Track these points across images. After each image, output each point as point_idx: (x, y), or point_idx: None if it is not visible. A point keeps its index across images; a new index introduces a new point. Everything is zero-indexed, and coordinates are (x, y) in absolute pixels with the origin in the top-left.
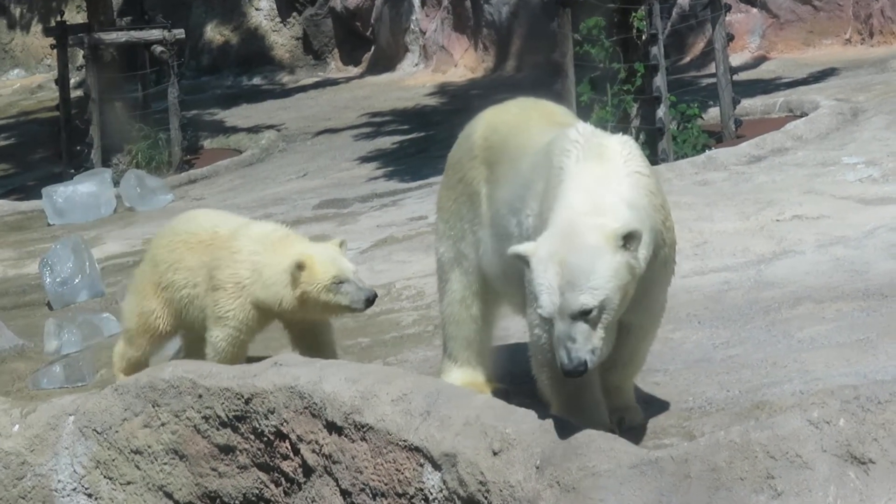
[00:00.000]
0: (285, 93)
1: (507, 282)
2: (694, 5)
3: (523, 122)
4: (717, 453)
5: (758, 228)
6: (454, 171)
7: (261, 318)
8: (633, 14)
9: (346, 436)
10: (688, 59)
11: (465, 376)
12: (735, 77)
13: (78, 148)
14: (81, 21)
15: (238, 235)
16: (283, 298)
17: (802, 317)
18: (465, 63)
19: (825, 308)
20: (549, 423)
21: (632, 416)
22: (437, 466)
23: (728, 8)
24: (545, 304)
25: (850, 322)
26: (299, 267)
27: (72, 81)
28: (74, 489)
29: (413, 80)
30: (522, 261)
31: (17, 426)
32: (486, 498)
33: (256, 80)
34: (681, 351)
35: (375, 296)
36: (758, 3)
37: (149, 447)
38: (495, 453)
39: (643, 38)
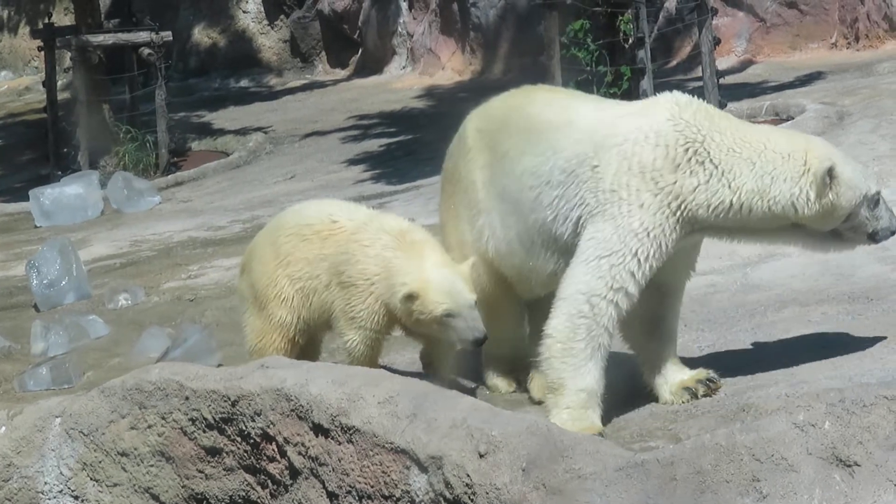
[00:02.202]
0: (273, 95)
1: (530, 252)
2: (681, 9)
3: (520, 102)
4: (702, 456)
5: None
6: (449, 180)
7: (392, 317)
8: (620, 17)
9: (332, 438)
10: (674, 62)
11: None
12: (721, 80)
13: (65, 150)
14: (69, 23)
15: (369, 227)
16: (401, 313)
17: (788, 320)
18: (452, 66)
19: (811, 311)
20: (536, 425)
21: (705, 385)
22: (423, 469)
23: (715, 12)
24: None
25: (836, 325)
26: (410, 297)
27: (59, 83)
28: (61, 491)
29: (400, 83)
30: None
31: (3, 428)
32: (472, 500)
33: (244, 83)
34: None
35: (485, 337)
36: (744, 7)
37: (135, 449)
38: (481, 456)
39: (630, 41)
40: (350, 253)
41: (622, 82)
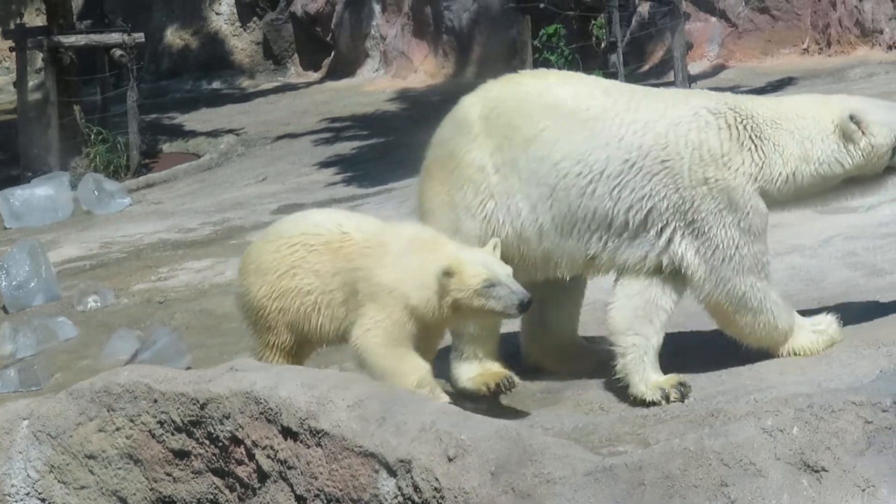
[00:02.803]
0: (245, 97)
1: (570, 235)
2: (653, 14)
3: (536, 86)
4: (671, 461)
5: None
6: (443, 168)
7: (415, 327)
8: (593, 22)
9: (301, 441)
10: (647, 66)
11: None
12: (693, 85)
13: (35, 151)
14: (41, 24)
15: (385, 238)
16: (435, 306)
17: None
18: (425, 69)
19: None
20: (505, 429)
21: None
22: (392, 472)
23: (687, 16)
24: None
25: None
26: (447, 273)
27: (30, 84)
28: (28, 494)
29: (373, 86)
30: None
31: None
32: None
33: (216, 85)
34: None
35: (531, 300)
36: (717, 12)
37: (103, 452)
38: (450, 459)
39: (603, 45)
40: (364, 268)
41: None
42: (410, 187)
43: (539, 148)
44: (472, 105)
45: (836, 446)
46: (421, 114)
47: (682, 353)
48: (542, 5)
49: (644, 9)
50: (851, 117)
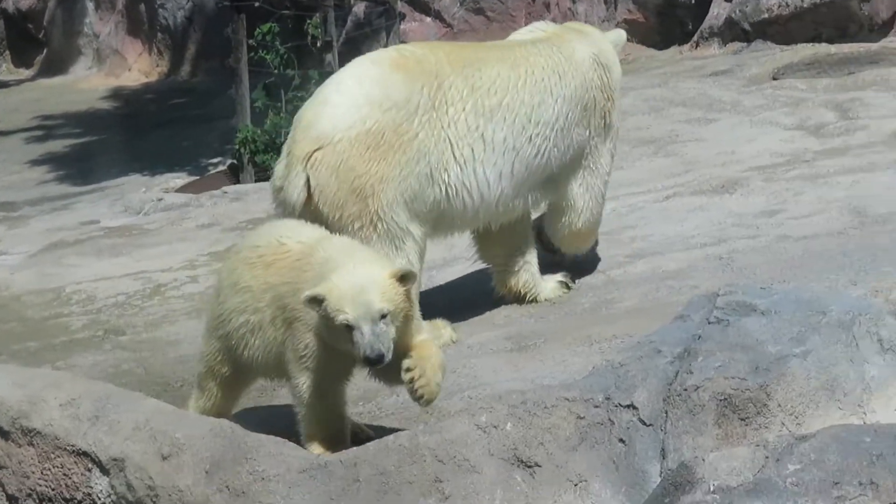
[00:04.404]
0: None
1: (521, 194)
2: (369, 13)
3: (466, 56)
4: (386, 457)
5: None
6: (390, 145)
7: (335, 355)
8: (308, 21)
9: (12, 441)
10: None
11: None
12: None
13: None
14: None
15: (315, 250)
16: (312, 327)
17: (473, 323)
18: (139, 67)
19: (495, 315)
20: (220, 427)
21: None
22: (105, 471)
23: (402, 17)
24: None
25: (519, 329)
26: (313, 301)
27: None
28: None
29: (87, 84)
30: None
31: None
32: (154, 502)
33: None
34: None
35: (379, 358)
36: (432, 13)
37: None
38: (164, 458)
39: (318, 45)
40: (292, 283)
41: (310, 86)
42: (125, 185)
43: (502, 116)
44: (413, 82)
45: (549, 442)
46: (135, 112)
47: None
48: (256, 4)
49: (360, 9)
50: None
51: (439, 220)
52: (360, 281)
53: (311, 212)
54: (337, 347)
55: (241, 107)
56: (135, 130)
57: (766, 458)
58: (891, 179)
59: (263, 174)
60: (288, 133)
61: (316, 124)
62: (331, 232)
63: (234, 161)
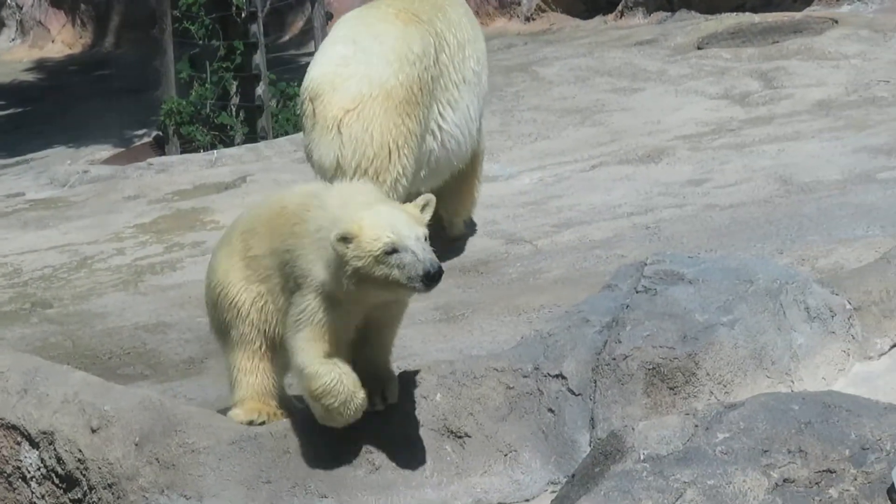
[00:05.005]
0: None
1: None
2: None
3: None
4: (315, 429)
5: None
6: (413, 100)
7: (339, 313)
8: None
9: None
10: (287, 37)
11: None
12: None
13: None
14: None
15: (309, 205)
16: (338, 280)
17: None
18: (63, 39)
19: None
20: (149, 400)
21: None
22: (34, 444)
23: None
24: None
25: (447, 299)
26: (344, 238)
27: None
28: None
29: (9, 56)
30: None
31: None
32: (84, 475)
33: None
34: None
35: (440, 271)
36: None
37: None
38: (94, 431)
39: (243, 15)
40: (291, 249)
41: (235, 56)
42: (49, 157)
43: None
44: (433, 30)
45: (479, 412)
46: (59, 84)
47: None
48: None
49: None
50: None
51: (428, 174)
52: (390, 208)
53: (341, 174)
54: (370, 294)
55: (165, 78)
56: (59, 102)
57: (696, 426)
58: (816, 148)
59: (189, 146)
60: (213, 105)
61: (346, 84)
62: None
63: (160, 133)
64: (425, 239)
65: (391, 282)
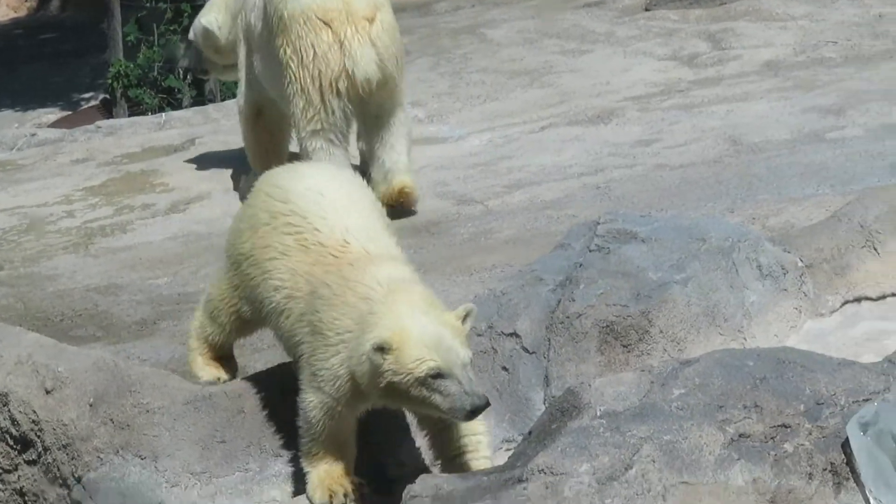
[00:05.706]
0: None
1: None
2: None
3: None
4: (270, 388)
5: None
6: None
7: (357, 391)
8: None
9: None
10: None
11: None
12: None
13: None
14: None
15: (361, 266)
16: (365, 382)
17: None
18: (8, 2)
19: None
20: (103, 361)
21: None
22: None
23: None
24: None
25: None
26: (382, 349)
27: None
28: None
29: None
30: None
31: None
32: (38, 437)
33: None
34: None
35: (486, 404)
36: None
37: None
38: (48, 392)
39: None
40: (330, 282)
41: (182, 19)
42: None
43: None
44: None
45: None
46: (4, 47)
47: None
48: None
49: None
50: None
51: None
52: (434, 322)
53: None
54: (406, 404)
55: (113, 41)
56: (5, 66)
57: (652, 382)
58: (764, 108)
59: (137, 108)
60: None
61: None
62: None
63: (107, 96)
64: (470, 362)
65: (429, 403)
